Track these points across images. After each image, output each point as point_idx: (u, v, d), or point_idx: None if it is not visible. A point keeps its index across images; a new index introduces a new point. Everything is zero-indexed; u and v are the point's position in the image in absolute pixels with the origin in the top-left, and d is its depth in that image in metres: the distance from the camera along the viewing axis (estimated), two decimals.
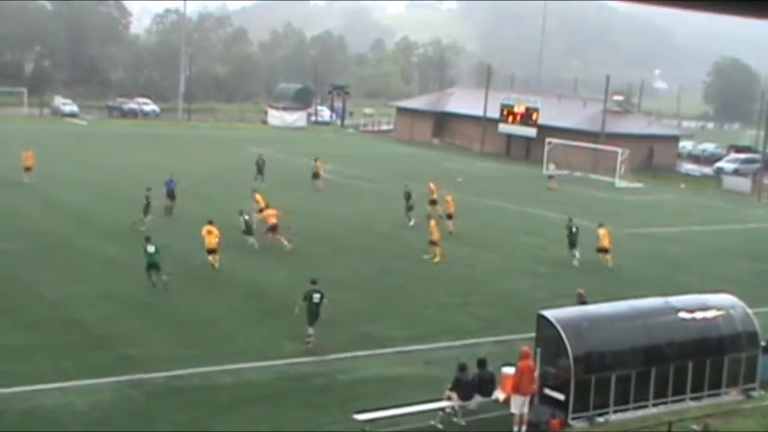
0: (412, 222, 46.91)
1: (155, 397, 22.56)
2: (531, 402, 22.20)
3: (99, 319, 28.68)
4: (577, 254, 40.82)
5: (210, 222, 36.49)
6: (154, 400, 22.32)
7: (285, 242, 39.68)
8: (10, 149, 61.69)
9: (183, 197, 47.52)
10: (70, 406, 21.62)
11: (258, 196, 44.17)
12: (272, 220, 40.47)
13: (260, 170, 59.01)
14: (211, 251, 35.74)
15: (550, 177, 71.08)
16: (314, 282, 27.62)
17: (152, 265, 32.28)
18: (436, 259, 39.35)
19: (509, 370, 22.69)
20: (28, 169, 54.92)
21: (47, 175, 55.84)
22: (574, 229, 41.40)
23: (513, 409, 21.90)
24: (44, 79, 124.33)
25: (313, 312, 26.96)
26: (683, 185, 77.70)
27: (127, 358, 25.10)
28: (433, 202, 49.85)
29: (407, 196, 48.16)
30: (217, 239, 35.76)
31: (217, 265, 35.37)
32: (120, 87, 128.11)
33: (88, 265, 35.23)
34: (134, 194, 45.40)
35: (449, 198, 46.88)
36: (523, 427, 21.78)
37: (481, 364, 22.98)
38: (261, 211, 42.59)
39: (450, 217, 45.61)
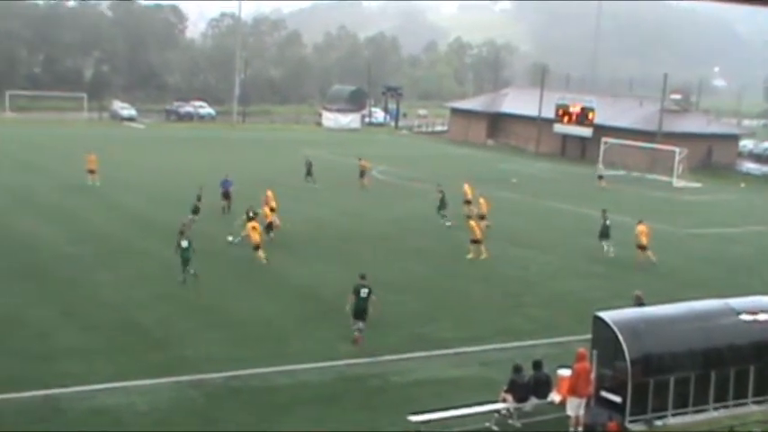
0: (448, 223, 46.90)
1: (214, 397, 22.75)
2: (587, 405, 22.02)
3: (158, 320, 28.99)
4: (607, 246, 42.07)
5: (253, 219, 38.27)
6: (213, 401, 22.51)
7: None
8: (72, 153, 62.72)
9: (237, 199, 47.83)
10: (131, 406, 21.88)
11: (270, 194, 44.69)
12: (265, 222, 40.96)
13: (309, 172, 59.52)
14: (257, 247, 36.90)
15: (600, 177, 70.69)
16: (362, 277, 28.03)
17: (185, 260, 33.45)
18: (483, 256, 39.56)
19: (565, 372, 22.54)
20: (92, 172, 55.82)
21: (107, 179, 56.62)
22: (607, 222, 42.48)
23: (569, 412, 21.76)
24: (103, 84, 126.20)
25: (360, 307, 27.42)
26: (743, 185, 76.59)
27: (184, 359, 25.37)
28: (468, 203, 49.99)
29: (441, 198, 48.16)
30: (259, 233, 37.49)
31: (264, 260, 36.47)
32: (177, 91, 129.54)
33: (148, 268, 35.60)
34: (190, 197, 45.77)
35: (482, 200, 47.00)
36: (579, 429, 21.62)
37: (537, 365, 22.84)
38: (272, 209, 42.76)
39: (482, 218, 45.41)
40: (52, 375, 23.36)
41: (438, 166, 74.17)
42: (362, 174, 61.37)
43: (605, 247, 42.07)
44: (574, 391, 21.66)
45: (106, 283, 33.18)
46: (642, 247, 40.47)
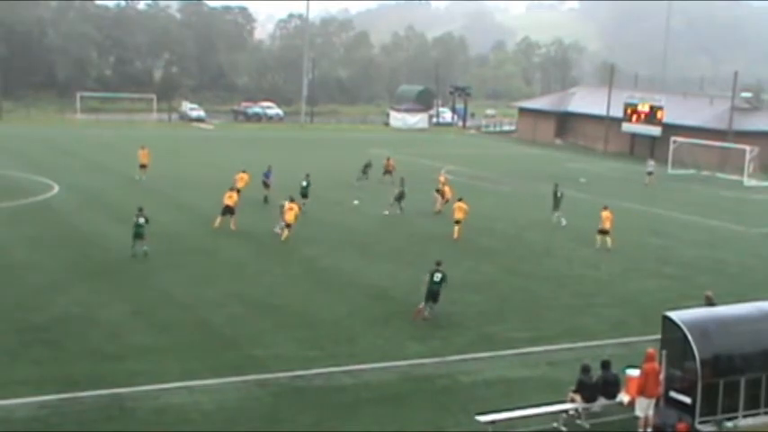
0: (564, 222, 47.06)
1: (279, 397, 22.87)
2: (656, 405, 21.84)
3: (227, 319, 29.28)
4: (557, 215, 46.07)
5: (292, 200, 40.86)
6: (279, 400, 22.62)
7: (232, 226, 42.21)
8: (155, 156, 63.55)
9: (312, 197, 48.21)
10: (197, 405, 22.04)
11: (243, 175, 47.63)
12: (228, 201, 42.64)
13: (364, 171, 60.73)
14: (288, 225, 40.28)
15: (649, 174, 70.06)
16: (438, 263, 30.12)
17: (137, 236, 36.51)
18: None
19: (634, 372, 22.37)
20: (143, 167, 57.17)
21: (175, 178, 57.40)
22: (558, 194, 46.28)
23: (638, 412, 21.58)
24: (172, 86, 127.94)
25: (432, 291, 29.51)
26: None
27: (252, 358, 25.54)
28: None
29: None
30: (295, 215, 40.43)
31: (284, 237, 39.53)
32: (245, 92, 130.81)
33: (217, 267, 35.99)
34: (256, 195, 46.17)
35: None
36: (649, 430, 21.44)
37: (605, 365, 22.70)
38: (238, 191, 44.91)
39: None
40: (120, 374, 23.66)
41: (506, 166, 73.97)
42: (387, 172, 62.55)
43: (555, 218, 46.49)
44: (643, 391, 21.50)
45: (176, 282, 33.58)
46: (604, 232, 41.93)
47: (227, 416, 21.57)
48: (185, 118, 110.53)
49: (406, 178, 51.61)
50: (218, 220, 42.49)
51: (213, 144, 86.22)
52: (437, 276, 29.72)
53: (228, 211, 42.31)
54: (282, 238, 39.53)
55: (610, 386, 22.44)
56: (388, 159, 63.31)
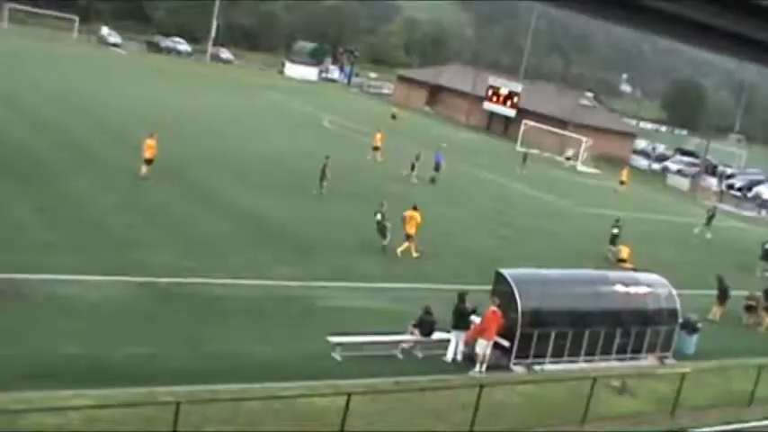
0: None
1: (158, 299, 22.60)
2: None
3: (121, 225, 28.62)
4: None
5: (414, 208, 33.25)
6: (157, 302, 22.37)
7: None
8: (58, 67, 61.18)
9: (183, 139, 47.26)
10: (84, 297, 21.63)
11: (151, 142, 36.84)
12: (146, 154, 36.08)
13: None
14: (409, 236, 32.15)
15: (567, 158, 73.30)
16: (382, 204, 32.06)
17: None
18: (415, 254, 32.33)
19: (476, 318, 22.76)
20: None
21: (91, 95, 55.41)
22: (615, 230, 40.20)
23: (477, 350, 22.02)
24: (94, 11, 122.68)
25: (379, 228, 31.53)
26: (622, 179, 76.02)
27: (138, 262, 25.06)
28: (375, 148, 51.15)
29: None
30: None
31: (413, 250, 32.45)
32: (160, 26, 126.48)
33: (118, 178, 34.97)
34: (155, 117, 44.81)
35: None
36: (484, 366, 21.94)
37: (461, 298, 23.02)
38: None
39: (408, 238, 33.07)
40: (19, 263, 22.96)
41: (382, 124, 73.83)
42: (393, 117, 66.55)
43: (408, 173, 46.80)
44: (482, 333, 21.98)
45: (79, 187, 32.58)
46: (408, 237, 32.21)
47: (109, 309, 21.22)
48: (103, 42, 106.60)
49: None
50: (144, 169, 36.17)
51: (125, 68, 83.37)
52: (378, 216, 31.67)
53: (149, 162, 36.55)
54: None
55: (463, 316, 22.72)
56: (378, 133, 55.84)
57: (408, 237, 31.81)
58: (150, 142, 35.81)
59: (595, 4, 6.70)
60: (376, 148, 52.81)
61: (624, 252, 37.12)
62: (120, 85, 67.08)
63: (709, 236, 45.78)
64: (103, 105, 53.74)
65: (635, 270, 31.46)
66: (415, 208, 32.78)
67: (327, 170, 39.23)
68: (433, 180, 48.37)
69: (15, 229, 26.13)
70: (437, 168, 49.04)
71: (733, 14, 6.45)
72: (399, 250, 31.37)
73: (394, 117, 77.69)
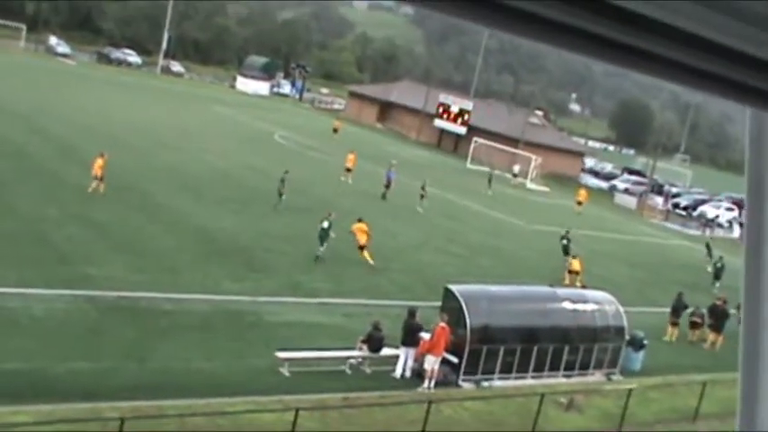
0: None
1: (105, 313, 22.25)
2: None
3: (65, 238, 28.17)
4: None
5: (359, 220, 33.77)
6: (104, 316, 22.02)
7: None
8: (13, 82, 60.19)
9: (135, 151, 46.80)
10: (29, 310, 21.23)
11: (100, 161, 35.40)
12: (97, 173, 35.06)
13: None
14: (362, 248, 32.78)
15: (515, 176, 74.35)
16: (330, 214, 32.38)
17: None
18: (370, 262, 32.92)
19: (425, 335, 22.74)
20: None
21: (34, 105, 54.56)
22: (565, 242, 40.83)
23: (426, 366, 22.00)
24: (42, 20, 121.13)
25: (321, 235, 31.75)
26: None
27: (84, 275, 24.68)
28: (348, 170, 50.59)
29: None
30: None
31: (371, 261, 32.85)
32: (110, 37, 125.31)
33: (63, 190, 34.42)
34: (100, 127, 44.35)
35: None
36: (432, 382, 21.93)
37: (411, 314, 22.98)
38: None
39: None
40: None
41: (333, 139, 73.81)
42: (335, 130, 69.77)
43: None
44: (431, 349, 21.97)
45: (23, 197, 32.01)
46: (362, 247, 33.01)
47: (53, 323, 20.85)
48: (51, 52, 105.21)
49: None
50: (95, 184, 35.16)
51: (74, 79, 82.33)
52: (325, 224, 31.93)
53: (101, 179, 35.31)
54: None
55: (412, 333, 22.67)
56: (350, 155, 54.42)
57: (362, 247, 32.42)
58: (100, 162, 35.17)
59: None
60: (348, 170, 52.38)
61: (576, 264, 37.48)
62: (68, 95, 66.19)
63: (709, 269, 45.75)
64: (50, 116, 52.97)
65: (584, 286, 31.78)
66: (360, 220, 33.39)
67: (285, 185, 39.18)
68: (383, 196, 48.47)
69: None
70: (388, 185, 49.13)
71: (678, 45, 6.53)
72: (366, 258, 32.35)
73: (335, 131, 77.62)
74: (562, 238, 40.66)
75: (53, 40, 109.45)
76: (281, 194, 39.17)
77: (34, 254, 25.80)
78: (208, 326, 22.95)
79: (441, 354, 22.11)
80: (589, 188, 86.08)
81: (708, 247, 48.21)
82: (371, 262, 32.31)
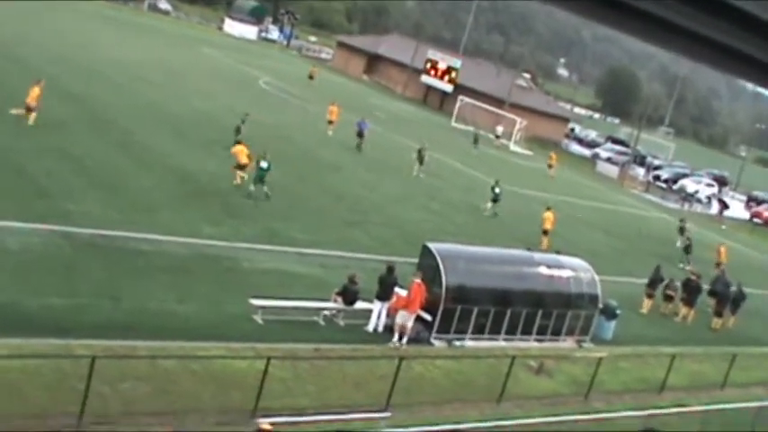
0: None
1: (80, 250, 22.08)
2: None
3: (43, 171, 27.85)
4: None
5: (239, 142, 34.18)
6: (79, 253, 21.85)
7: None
8: None
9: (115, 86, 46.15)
10: (2, 244, 20.99)
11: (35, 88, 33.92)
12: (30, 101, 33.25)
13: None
14: (241, 167, 32.92)
15: (497, 137, 74.20)
16: (264, 153, 32.20)
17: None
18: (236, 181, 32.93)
19: (402, 291, 22.77)
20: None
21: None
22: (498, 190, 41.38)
23: (398, 320, 22.05)
24: None
25: (259, 175, 31.69)
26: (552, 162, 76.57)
27: (61, 211, 24.44)
28: (330, 122, 50.28)
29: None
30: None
31: (241, 181, 32.84)
32: None
33: (42, 123, 33.79)
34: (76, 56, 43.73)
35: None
36: (405, 338, 22.00)
37: (390, 269, 22.93)
38: None
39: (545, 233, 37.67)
40: None
41: (317, 88, 73.26)
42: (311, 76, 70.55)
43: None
44: (406, 306, 22.00)
45: (1, 130, 31.52)
46: (545, 232, 37.32)
47: (29, 258, 20.66)
48: None
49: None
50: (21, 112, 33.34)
51: (57, 9, 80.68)
52: (264, 164, 31.72)
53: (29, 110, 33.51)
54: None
55: (388, 288, 22.66)
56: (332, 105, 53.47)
57: (241, 167, 32.98)
58: (36, 91, 33.23)
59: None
60: (330, 122, 51.18)
61: (548, 222, 37.73)
62: (50, 26, 65.19)
63: (679, 244, 46.11)
64: (29, 46, 52.16)
65: (551, 249, 32.03)
66: (239, 142, 34.20)
67: (244, 126, 38.49)
68: (358, 147, 48.00)
69: None
70: (360, 134, 48.53)
71: (677, 6, 6.47)
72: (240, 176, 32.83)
73: (311, 77, 76.74)
74: (493, 187, 41.45)
75: None
76: (238, 131, 37.58)
77: (8, 186, 25.48)
78: (183, 269, 22.86)
79: (416, 310, 22.18)
80: (572, 154, 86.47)
81: (681, 222, 48.24)
82: (238, 181, 32.65)
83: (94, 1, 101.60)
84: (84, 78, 46.43)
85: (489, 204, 41.03)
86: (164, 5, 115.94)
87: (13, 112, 33.06)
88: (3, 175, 26.26)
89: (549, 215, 37.99)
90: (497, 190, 41.27)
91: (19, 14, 65.75)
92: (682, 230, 46.65)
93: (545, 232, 37.47)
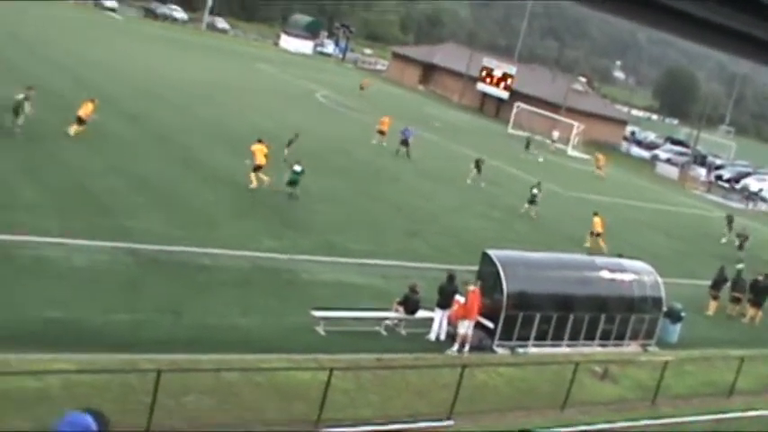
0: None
1: (144, 266, 22.31)
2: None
3: (107, 189, 28.28)
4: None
5: (260, 141, 33.96)
6: (143, 269, 22.08)
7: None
8: (55, 27, 60.26)
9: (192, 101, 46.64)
10: (70, 260, 21.35)
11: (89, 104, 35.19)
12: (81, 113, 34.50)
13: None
14: (258, 167, 32.89)
15: (553, 142, 73.93)
16: (298, 162, 32.66)
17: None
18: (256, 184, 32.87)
19: (460, 298, 22.59)
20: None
21: (81, 59, 54.72)
22: (536, 190, 41.04)
23: (460, 330, 21.86)
24: None
25: (292, 179, 32.37)
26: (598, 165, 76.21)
27: (125, 228, 24.77)
28: (382, 133, 49.57)
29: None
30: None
31: (257, 183, 32.81)
32: None
33: (104, 143, 34.42)
34: (148, 84, 44.33)
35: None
36: (466, 347, 21.81)
37: (450, 278, 22.78)
38: None
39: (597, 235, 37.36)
40: (4, 224, 22.61)
41: (372, 100, 73.45)
42: (361, 87, 70.90)
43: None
44: (465, 315, 21.81)
45: (65, 149, 32.14)
46: (596, 234, 37.16)
47: (94, 274, 20.95)
48: (99, 5, 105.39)
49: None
50: (73, 128, 34.27)
51: (119, 33, 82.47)
52: (297, 168, 32.29)
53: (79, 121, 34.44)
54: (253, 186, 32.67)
55: (449, 296, 22.49)
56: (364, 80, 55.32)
57: (257, 167, 32.95)
58: (90, 106, 34.73)
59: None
60: (382, 132, 50.41)
61: (598, 225, 37.26)
62: (113, 49, 66.35)
63: (723, 240, 45.72)
64: (95, 69, 53.13)
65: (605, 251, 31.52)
66: (259, 141, 33.97)
67: (292, 146, 38.16)
68: (407, 155, 47.72)
69: (1, 189, 25.75)
70: (405, 143, 48.27)
71: (729, 10, 6.26)
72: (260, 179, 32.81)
73: (362, 88, 76.63)
74: (532, 187, 41.10)
75: None
76: (289, 145, 37.74)
77: (75, 204, 25.93)
78: (244, 282, 22.97)
79: (474, 318, 21.97)
80: (631, 157, 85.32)
81: (728, 219, 47.66)
82: (254, 185, 32.55)
83: (154, 22, 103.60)
84: (146, 98, 47.13)
85: (526, 205, 40.75)
86: (222, 24, 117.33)
87: (71, 132, 33.72)
88: (68, 194, 26.74)
89: (597, 220, 37.38)
90: (535, 191, 40.94)
91: (83, 39, 67.12)
92: (730, 226, 46.22)
93: (595, 234, 37.09)
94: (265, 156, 33.07)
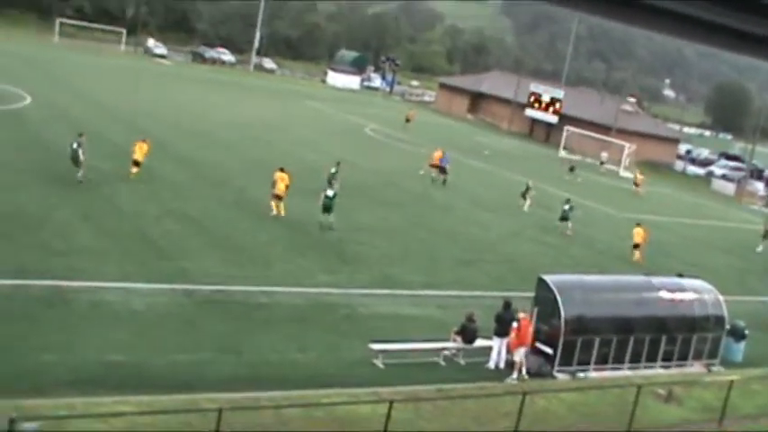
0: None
1: (202, 306, 22.54)
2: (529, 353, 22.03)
3: (163, 233, 28.68)
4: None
5: (282, 169, 34.13)
6: (201, 309, 22.32)
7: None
8: (108, 77, 61.44)
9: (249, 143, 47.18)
10: (128, 304, 21.64)
11: (143, 145, 36.39)
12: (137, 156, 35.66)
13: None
14: (278, 197, 33.40)
15: (602, 163, 73.98)
16: (330, 183, 33.90)
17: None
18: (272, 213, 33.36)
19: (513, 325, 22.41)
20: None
21: (134, 107, 55.79)
22: (567, 207, 41.34)
23: (515, 358, 21.67)
24: (141, 23, 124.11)
25: (327, 204, 32.25)
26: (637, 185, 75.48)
27: (182, 270, 25.08)
28: (435, 167, 49.25)
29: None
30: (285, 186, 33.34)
31: (277, 212, 33.26)
32: (204, 37, 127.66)
33: (160, 187, 35.05)
34: (197, 124, 44.81)
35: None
36: (524, 372, 21.61)
37: (506, 305, 22.63)
38: None
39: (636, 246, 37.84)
40: (64, 269, 23.07)
41: (420, 131, 73.61)
42: (407, 119, 71.36)
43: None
44: (521, 343, 21.63)
45: (122, 195, 32.73)
46: (636, 246, 37.76)
47: (152, 316, 21.20)
48: (148, 53, 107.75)
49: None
50: (133, 170, 35.54)
51: (170, 79, 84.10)
52: (330, 193, 32.41)
53: (136, 164, 35.76)
54: (275, 213, 33.36)
55: (506, 324, 22.29)
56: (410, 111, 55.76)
57: (277, 197, 33.21)
58: (144, 147, 35.96)
59: (624, 10, 6.44)
60: (434, 166, 49.29)
61: (638, 236, 37.33)
62: (165, 95, 67.61)
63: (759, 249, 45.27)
64: (148, 116, 54.11)
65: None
66: (281, 169, 33.83)
67: (336, 176, 37.81)
68: (444, 182, 47.56)
69: (61, 235, 26.30)
70: (443, 170, 48.12)
71: (720, 8, 6.19)
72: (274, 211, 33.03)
73: (408, 120, 76.63)
74: (564, 203, 41.58)
75: (151, 41, 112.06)
76: (330, 183, 36.33)
77: (132, 248, 26.34)
78: (302, 318, 23.07)
79: (527, 344, 21.76)
80: (686, 175, 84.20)
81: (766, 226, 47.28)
82: (275, 212, 32.97)
83: (203, 66, 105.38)
84: (197, 141, 47.83)
85: (559, 222, 41.05)
86: (269, 65, 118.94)
87: (132, 173, 34.43)
88: (125, 238, 27.17)
89: (639, 230, 37.63)
90: (566, 207, 41.03)
91: (136, 87, 68.50)
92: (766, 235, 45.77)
93: (636, 246, 37.26)
94: (286, 186, 33.21)
